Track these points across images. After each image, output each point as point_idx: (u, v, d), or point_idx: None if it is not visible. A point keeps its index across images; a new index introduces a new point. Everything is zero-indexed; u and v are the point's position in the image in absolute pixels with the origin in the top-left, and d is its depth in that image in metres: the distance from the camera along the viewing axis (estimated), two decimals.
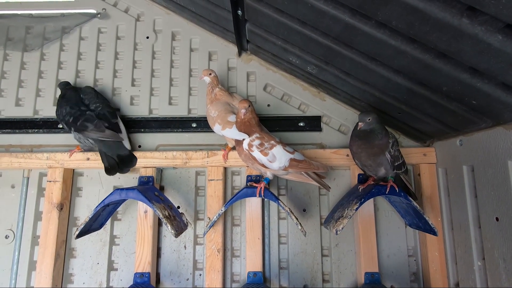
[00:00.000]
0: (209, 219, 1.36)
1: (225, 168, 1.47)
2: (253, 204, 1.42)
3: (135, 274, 1.34)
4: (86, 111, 1.38)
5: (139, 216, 1.40)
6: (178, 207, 1.48)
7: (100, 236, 1.46)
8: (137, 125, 1.55)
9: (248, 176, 1.42)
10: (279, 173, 1.26)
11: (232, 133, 1.25)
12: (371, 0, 0.79)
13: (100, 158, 1.39)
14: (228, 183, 1.50)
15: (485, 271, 1.08)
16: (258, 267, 1.36)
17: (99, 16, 1.65)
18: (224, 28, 1.46)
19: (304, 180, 1.28)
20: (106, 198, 1.23)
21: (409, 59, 0.92)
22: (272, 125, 1.49)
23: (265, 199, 1.44)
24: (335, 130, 1.54)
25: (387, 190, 1.20)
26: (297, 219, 1.23)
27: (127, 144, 1.41)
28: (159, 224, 1.46)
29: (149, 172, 1.43)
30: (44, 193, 1.45)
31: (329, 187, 1.29)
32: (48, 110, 1.56)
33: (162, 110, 1.57)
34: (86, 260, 1.44)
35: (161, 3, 1.65)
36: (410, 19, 0.77)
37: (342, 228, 1.17)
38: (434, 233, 1.18)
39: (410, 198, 1.20)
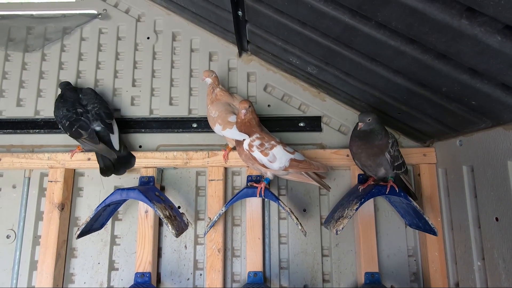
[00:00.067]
0: (210, 219, 1.37)
1: (225, 168, 1.48)
2: (253, 204, 1.42)
3: (136, 274, 1.34)
4: (82, 113, 1.37)
5: (140, 216, 1.40)
6: (179, 207, 1.49)
7: (101, 236, 1.46)
8: (137, 125, 1.56)
9: (248, 176, 1.43)
10: (279, 173, 1.26)
11: (233, 134, 1.26)
12: (370, 1, 0.80)
13: None
14: (228, 183, 1.51)
15: (484, 271, 1.09)
16: (258, 267, 1.36)
17: (100, 16, 1.66)
18: (224, 28, 1.47)
19: (304, 180, 1.29)
20: (107, 198, 1.24)
21: (408, 59, 0.92)
22: (272, 125, 1.49)
23: (266, 199, 1.44)
24: (335, 131, 1.55)
25: (387, 190, 1.20)
26: (297, 219, 1.24)
27: (116, 145, 1.38)
28: (160, 224, 1.46)
29: (150, 172, 1.43)
30: (45, 193, 1.45)
31: (329, 187, 1.29)
32: (49, 111, 1.57)
33: (163, 111, 1.57)
34: (87, 260, 1.45)
35: (162, 4, 1.65)
36: (410, 20, 0.77)
37: (342, 228, 1.17)
38: (434, 233, 1.18)
39: (410, 198, 1.20)
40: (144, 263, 1.35)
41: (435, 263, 1.33)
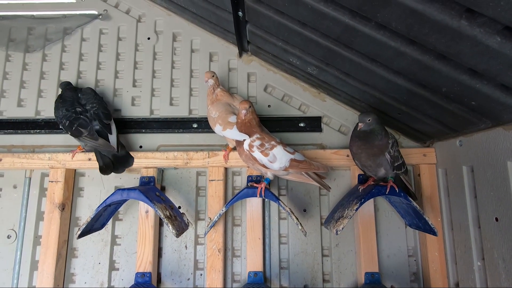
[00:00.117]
0: (210, 219, 1.37)
1: (225, 169, 1.48)
2: (253, 204, 1.43)
3: (136, 274, 1.34)
4: (81, 112, 1.38)
5: (140, 216, 1.40)
6: (179, 207, 1.49)
7: (101, 236, 1.46)
8: (138, 125, 1.56)
9: (248, 177, 1.43)
10: (279, 174, 1.26)
11: (233, 134, 1.26)
12: (370, 2, 0.80)
13: None
14: (228, 183, 1.51)
15: (484, 271, 1.09)
16: (258, 267, 1.36)
17: (100, 17, 1.66)
18: (224, 29, 1.47)
19: (304, 181, 1.29)
20: (107, 198, 1.24)
21: (408, 60, 0.92)
22: (272, 125, 1.49)
23: (266, 199, 1.45)
24: (335, 131, 1.55)
25: (387, 191, 1.20)
26: (297, 219, 1.24)
27: (114, 145, 1.38)
28: (160, 224, 1.46)
29: (150, 173, 1.44)
30: (46, 193, 1.46)
31: (330, 188, 1.30)
32: (50, 111, 1.56)
33: (163, 111, 1.58)
34: (88, 260, 1.45)
35: (162, 4, 1.65)
36: (410, 21, 0.77)
37: (342, 228, 1.17)
38: (434, 233, 1.18)
39: (410, 198, 1.21)
40: (145, 263, 1.35)
41: (435, 263, 1.33)
